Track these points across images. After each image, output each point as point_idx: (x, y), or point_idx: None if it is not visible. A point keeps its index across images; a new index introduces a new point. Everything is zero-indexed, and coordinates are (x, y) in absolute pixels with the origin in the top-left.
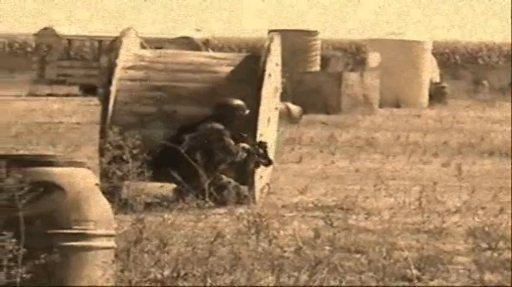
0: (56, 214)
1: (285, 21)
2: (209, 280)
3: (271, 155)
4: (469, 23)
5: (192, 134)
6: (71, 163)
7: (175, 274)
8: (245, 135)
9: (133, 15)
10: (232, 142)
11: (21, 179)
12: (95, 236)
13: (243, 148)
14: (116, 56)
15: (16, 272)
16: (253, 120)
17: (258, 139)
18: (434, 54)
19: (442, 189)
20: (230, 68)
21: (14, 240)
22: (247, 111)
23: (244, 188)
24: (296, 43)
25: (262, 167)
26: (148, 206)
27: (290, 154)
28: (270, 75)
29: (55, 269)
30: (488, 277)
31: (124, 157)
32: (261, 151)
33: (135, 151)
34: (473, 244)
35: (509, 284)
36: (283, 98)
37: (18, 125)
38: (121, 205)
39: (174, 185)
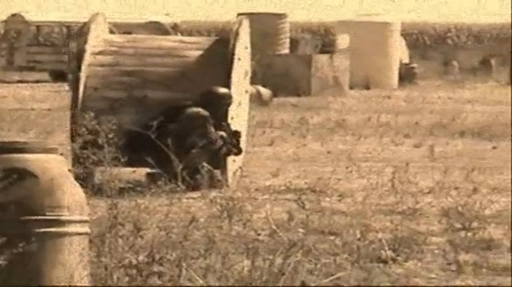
0: (30, 200)
1: (253, 4)
2: (184, 264)
3: (243, 140)
4: (437, 3)
5: (160, 118)
6: (44, 149)
7: (150, 259)
8: (225, 123)
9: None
10: (213, 130)
11: None
12: (69, 222)
13: (221, 137)
14: (85, 42)
15: None
16: None
17: (230, 125)
18: (403, 35)
19: (414, 170)
20: (199, 52)
21: None
22: (232, 100)
23: (217, 172)
24: (265, 26)
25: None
26: (121, 191)
27: (262, 137)
28: (239, 59)
29: (30, 256)
30: (463, 257)
31: (99, 142)
32: (234, 140)
33: (110, 136)
34: (447, 225)
35: (484, 264)
36: (253, 81)
37: None
38: (94, 191)
39: (147, 170)
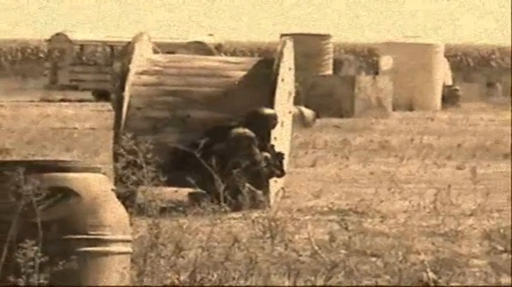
0: (72, 219)
1: (296, 24)
2: (226, 285)
3: (285, 161)
4: (482, 26)
5: (206, 138)
6: (87, 169)
7: (191, 279)
8: (269, 145)
9: (146, 19)
10: (258, 151)
11: (39, 185)
12: (111, 241)
13: (265, 158)
14: (129, 61)
15: (34, 279)
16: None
17: (275, 147)
18: (446, 57)
19: (456, 192)
20: (243, 73)
21: (35, 248)
22: (277, 121)
23: (259, 193)
24: (309, 47)
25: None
26: (163, 211)
27: (304, 158)
28: (283, 79)
29: (72, 275)
30: (505, 280)
31: (138, 162)
32: (277, 161)
33: (148, 156)
34: (489, 247)
35: None
36: (297, 102)
37: (32, 130)
38: (136, 210)
39: (189, 190)
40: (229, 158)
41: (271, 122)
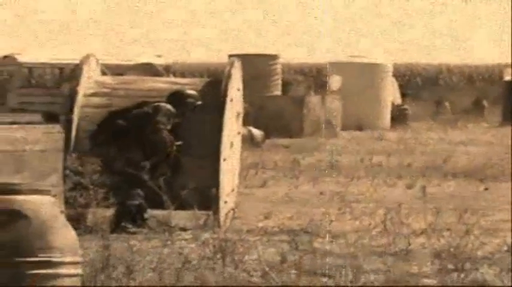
0: (22, 242)
1: (245, 45)
2: None
3: (235, 181)
4: (430, 45)
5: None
6: (36, 191)
7: None
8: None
9: (94, 41)
10: (165, 121)
11: None
12: (61, 263)
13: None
14: (77, 84)
15: None
16: (216, 145)
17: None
18: (395, 76)
19: (406, 211)
20: None
21: None
22: (199, 102)
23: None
24: (257, 67)
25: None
26: (113, 232)
27: (254, 179)
28: (231, 100)
29: None
30: None
31: (84, 183)
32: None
33: (95, 177)
34: (439, 266)
35: None
36: (246, 122)
37: None
38: (86, 232)
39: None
40: (131, 132)
41: (189, 100)
